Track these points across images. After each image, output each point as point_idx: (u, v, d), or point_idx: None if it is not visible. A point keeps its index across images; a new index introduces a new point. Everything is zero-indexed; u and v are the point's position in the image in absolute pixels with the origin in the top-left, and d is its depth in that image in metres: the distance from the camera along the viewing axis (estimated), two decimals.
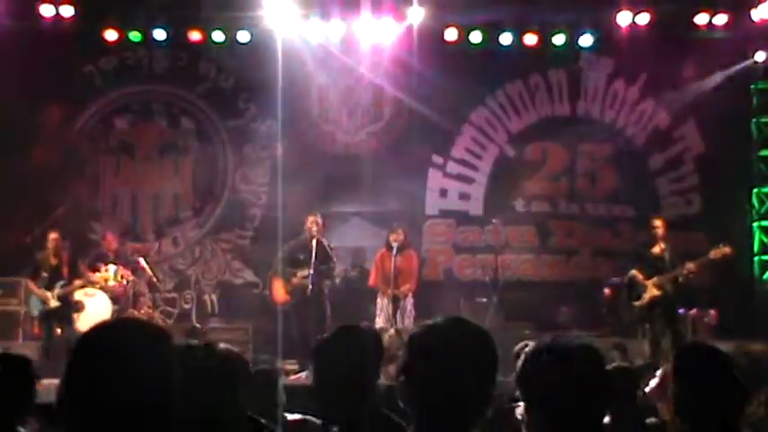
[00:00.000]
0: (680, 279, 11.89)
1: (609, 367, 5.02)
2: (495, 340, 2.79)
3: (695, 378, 3.83)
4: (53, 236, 12.61)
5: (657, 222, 12.31)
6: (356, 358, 3.58)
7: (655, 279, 11.99)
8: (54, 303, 12.33)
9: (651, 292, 12.00)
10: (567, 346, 2.82)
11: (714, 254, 11.87)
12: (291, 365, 12.04)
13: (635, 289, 12.19)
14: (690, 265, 11.85)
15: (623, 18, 14.42)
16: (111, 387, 2.24)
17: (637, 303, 12.15)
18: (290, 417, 4.66)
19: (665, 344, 11.71)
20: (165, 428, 2.30)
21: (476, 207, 15.50)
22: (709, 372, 3.82)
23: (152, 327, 2.48)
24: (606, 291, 13.84)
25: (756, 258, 15.08)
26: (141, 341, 2.34)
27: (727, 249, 11.88)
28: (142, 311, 13.11)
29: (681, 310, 12.54)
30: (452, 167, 15.52)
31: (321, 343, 3.76)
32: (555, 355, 2.79)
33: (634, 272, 12.21)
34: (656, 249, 12.14)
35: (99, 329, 2.37)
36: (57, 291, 12.38)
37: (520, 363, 2.83)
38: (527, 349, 2.90)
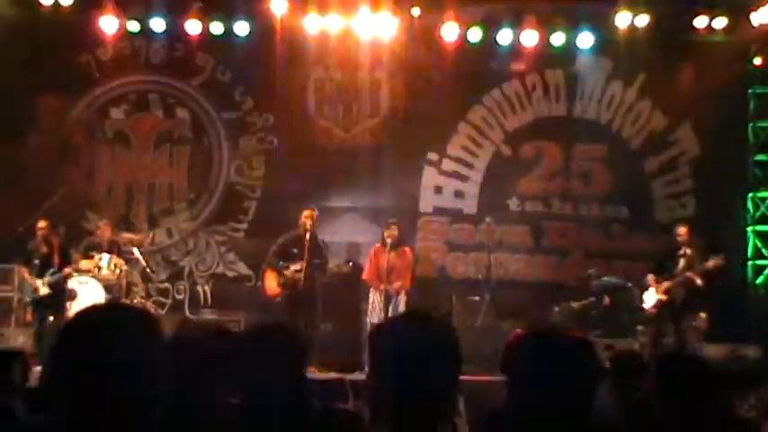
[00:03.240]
0: (687, 285, 12.00)
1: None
2: (457, 335, 2.76)
3: (676, 391, 3.84)
4: (41, 224, 12.58)
5: (682, 230, 12.37)
6: (272, 358, 3.37)
7: (665, 284, 12.09)
8: (44, 291, 12.31)
9: (659, 295, 12.10)
10: (556, 332, 2.82)
11: (709, 264, 11.94)
12: None
13: (646, 291, 12.34)
14: (689, 274, 11.93)
15: (622, 19, 14.41)
16: (97, 371, 2.22)
17: (645, 306, 12.28)
18: None
19: (665, 344, 11.82)
20: (152, 413, 2.29)
21: (470, 205, 15.48)
22: (691, 387, 3.85)
23: (140, 312, 2.48)
24: (606, 299, 13.82)
25: (750, 263, 15.07)
26: (128, 326, 2.33)
27: (718, 261, 11.95)
28: (135, 301, 13.12)
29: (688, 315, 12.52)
30: (448, 165, 15.50)
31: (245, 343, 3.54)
32: (542, 338, 2.79)
33: (649, 276, 12.35)
34: (676, 256, 12.22)
35: (86, 314, 2.36)
36: (47, 278, 12.37)
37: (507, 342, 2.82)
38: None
